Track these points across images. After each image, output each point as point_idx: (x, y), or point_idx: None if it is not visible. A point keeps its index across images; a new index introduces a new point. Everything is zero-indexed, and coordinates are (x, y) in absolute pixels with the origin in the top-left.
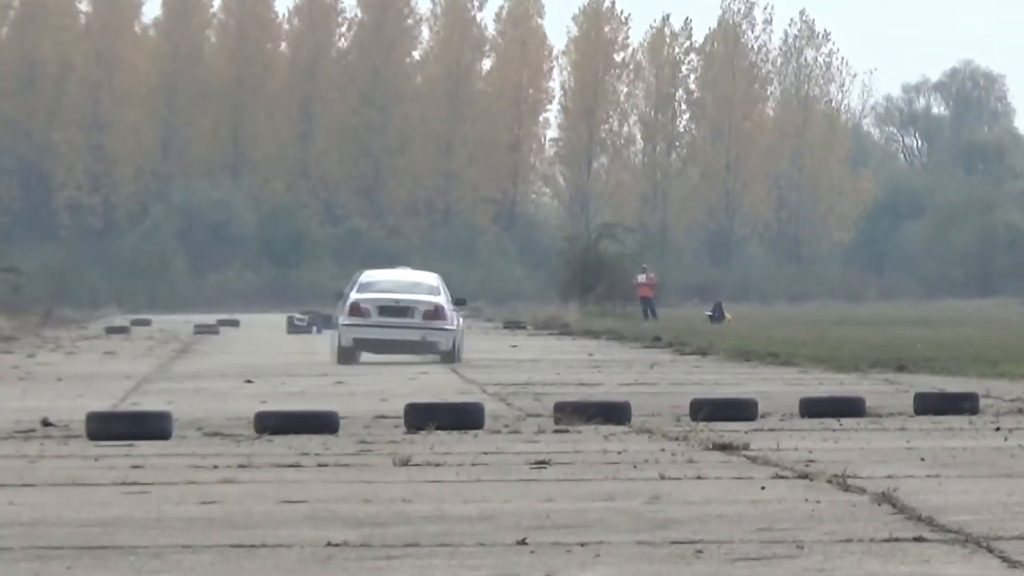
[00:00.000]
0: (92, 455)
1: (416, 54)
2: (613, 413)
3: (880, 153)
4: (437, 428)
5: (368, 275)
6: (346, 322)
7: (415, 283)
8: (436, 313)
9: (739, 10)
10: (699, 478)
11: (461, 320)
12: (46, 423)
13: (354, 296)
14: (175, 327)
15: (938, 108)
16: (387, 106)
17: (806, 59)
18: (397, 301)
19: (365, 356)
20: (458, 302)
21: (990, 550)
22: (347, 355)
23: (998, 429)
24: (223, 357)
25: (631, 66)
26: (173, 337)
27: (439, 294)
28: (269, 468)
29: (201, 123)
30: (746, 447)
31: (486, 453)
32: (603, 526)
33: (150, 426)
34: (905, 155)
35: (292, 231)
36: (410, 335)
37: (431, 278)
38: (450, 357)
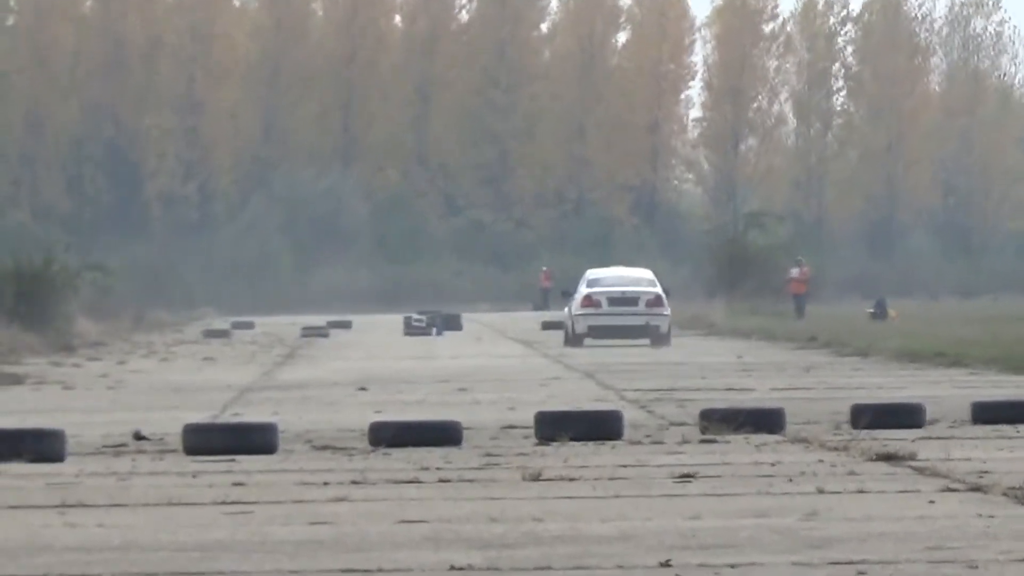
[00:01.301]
0: (189, 471)
1: (544, 27)
2: (765, 421)
3: None
4: (571, 439)
5: (592, 272)
6: (579, 312)
7: (636, 278)
8: (656, 301)
9: None
10: (861, 492)
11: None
12: (139, 437)
13: (584, 290)
14: (280, 330)
15: None
16: (513, 85)
17: (974, 29)
18: (624, 293)
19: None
20: (666, 292)
21: None
22: (578, 341)
23: None
24: (333, 362)
25: (781, 38)
26: (278, 341)
27: (656, 285)
28: (385, 484)
29: (307, 104)
30: (912, 457)
31: (625, 466)
32: (755, 545)
33: (253, 439)
34: None
35: (408, 224)
36: (636, 320)
37: (647, 273)
38: (666, 340)
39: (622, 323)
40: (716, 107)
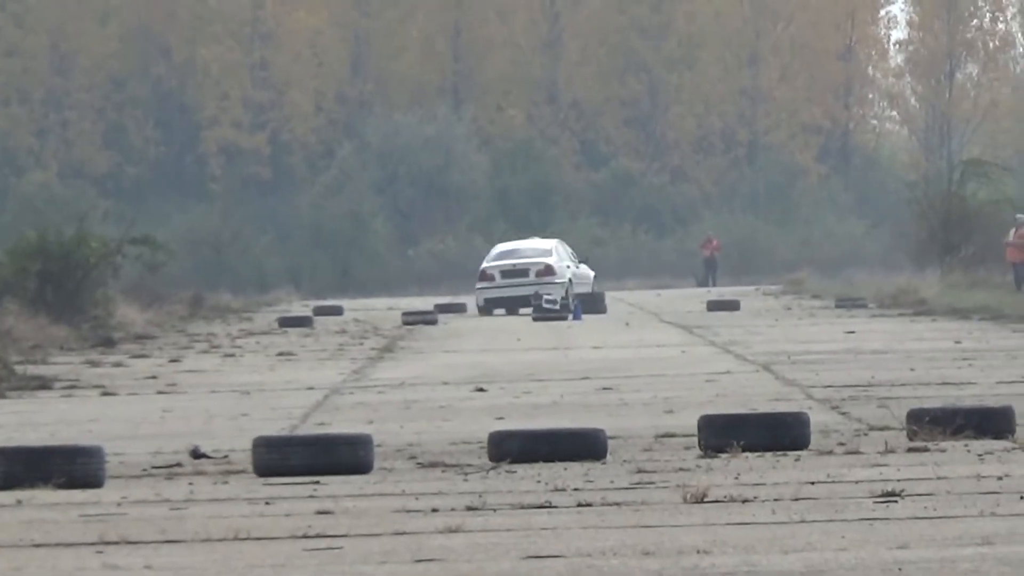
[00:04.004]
0: (262, 497)
1: None
2: (990, 423)
3: None
4: (744, 449)
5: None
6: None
7: (535, 249)
8: (546, 271)
9: None
10: None
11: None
12: (197, 454)
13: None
14: (375, 316)
15: None
16: (665, 0)
17: None
18: (515, 265)
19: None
20: (584, 260)
21: None
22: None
23: None
24: (443, 356)
25: None
26: (373, 330)
27: (551, 255)
28: (509, 510)
29: (406, 30)
30: None
31: (812, 483)
32: None
33: (342, 455)
34: None
35: (536, 178)
36: (525, 291)
37: (551, 243)
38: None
39: (512, 294)
40: (925, 26)
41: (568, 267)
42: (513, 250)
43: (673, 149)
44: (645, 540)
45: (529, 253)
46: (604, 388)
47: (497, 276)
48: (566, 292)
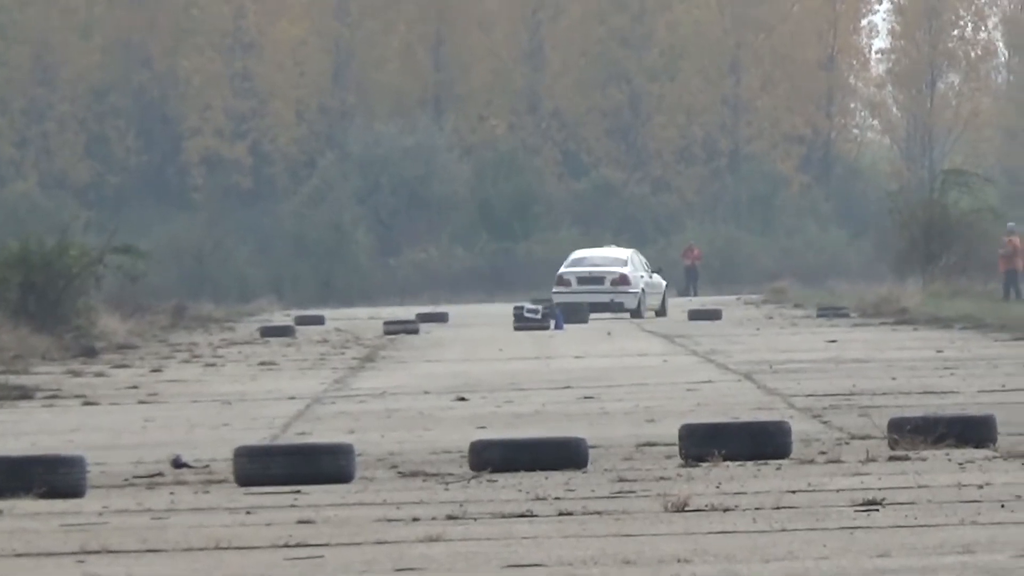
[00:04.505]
0: (243, 507)
1: None
2: (971, 432)
3: None
4: (725, 458)
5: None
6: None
7: (612, 258)
8: (621, 280)
9: None
10: None
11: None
12: (178, 463)
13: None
14: (357, 325)
15: None
16: (646, 11)
17: None
18: (591, 273)
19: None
20: (658, 270)
21: None
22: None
23: None
24: (425, 366)
25: None
26: (355, 339)
27: (626, 265)
28: (490, 520)
29: (388, 41)
30: None
31: (794, 492)
32: None
33: (323, 465)
34: None
35: (519, 188)
36: (602, 298)
37: (626, 252)
38: (638, 313)
39: (588, 300)
40: (907, 35)
41: (642, 277)
42: (589, 258)
43: (655, 159)
44: (626, 549)
45: (606, 262)
46: (585, 397)
47: (573, 282)
48: (638, 303)
